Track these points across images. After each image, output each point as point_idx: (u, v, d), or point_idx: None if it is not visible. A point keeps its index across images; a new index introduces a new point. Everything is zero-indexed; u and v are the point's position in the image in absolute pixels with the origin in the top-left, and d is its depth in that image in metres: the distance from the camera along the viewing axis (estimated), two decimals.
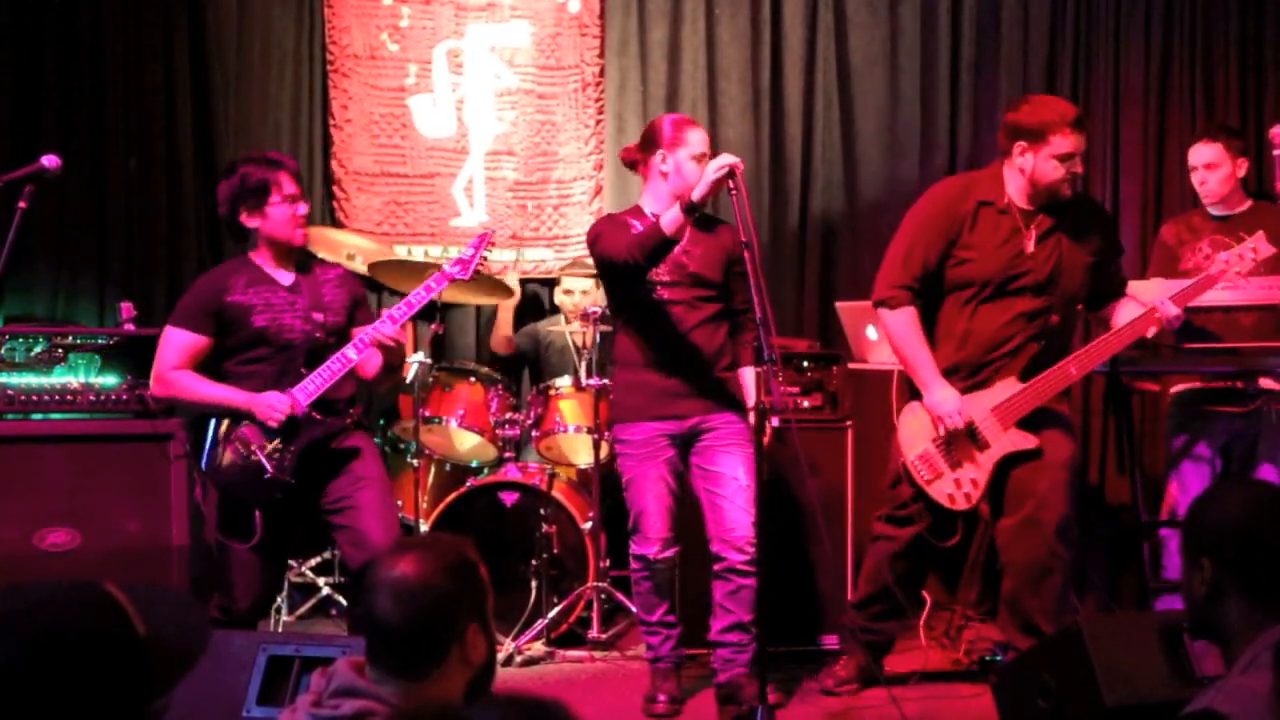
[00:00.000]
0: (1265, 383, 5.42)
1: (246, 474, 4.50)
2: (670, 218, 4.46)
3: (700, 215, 4.60)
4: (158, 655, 1.76)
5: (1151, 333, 4.80)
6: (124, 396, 5.14)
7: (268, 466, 4.47)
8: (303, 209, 4.66)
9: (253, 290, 4.59)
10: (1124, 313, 4.89)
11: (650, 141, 4.83)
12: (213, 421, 4.56)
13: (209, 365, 4.63)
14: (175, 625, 1.88)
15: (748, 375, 4.83)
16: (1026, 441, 4.71)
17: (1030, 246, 4.74)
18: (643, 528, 4.80)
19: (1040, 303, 4.75)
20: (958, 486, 4.76)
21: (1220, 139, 5.44)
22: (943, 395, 4.73)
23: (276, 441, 4.49)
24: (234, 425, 4.52)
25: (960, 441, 4.75)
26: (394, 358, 4.67)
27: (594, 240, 4.80)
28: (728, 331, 4.87)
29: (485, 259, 4.85)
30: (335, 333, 4.65)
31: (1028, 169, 4.72)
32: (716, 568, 4.74)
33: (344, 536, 4.63)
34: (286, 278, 4.68)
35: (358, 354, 4.54)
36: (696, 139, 4.80)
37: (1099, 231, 4.89)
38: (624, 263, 4.59)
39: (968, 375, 4.78)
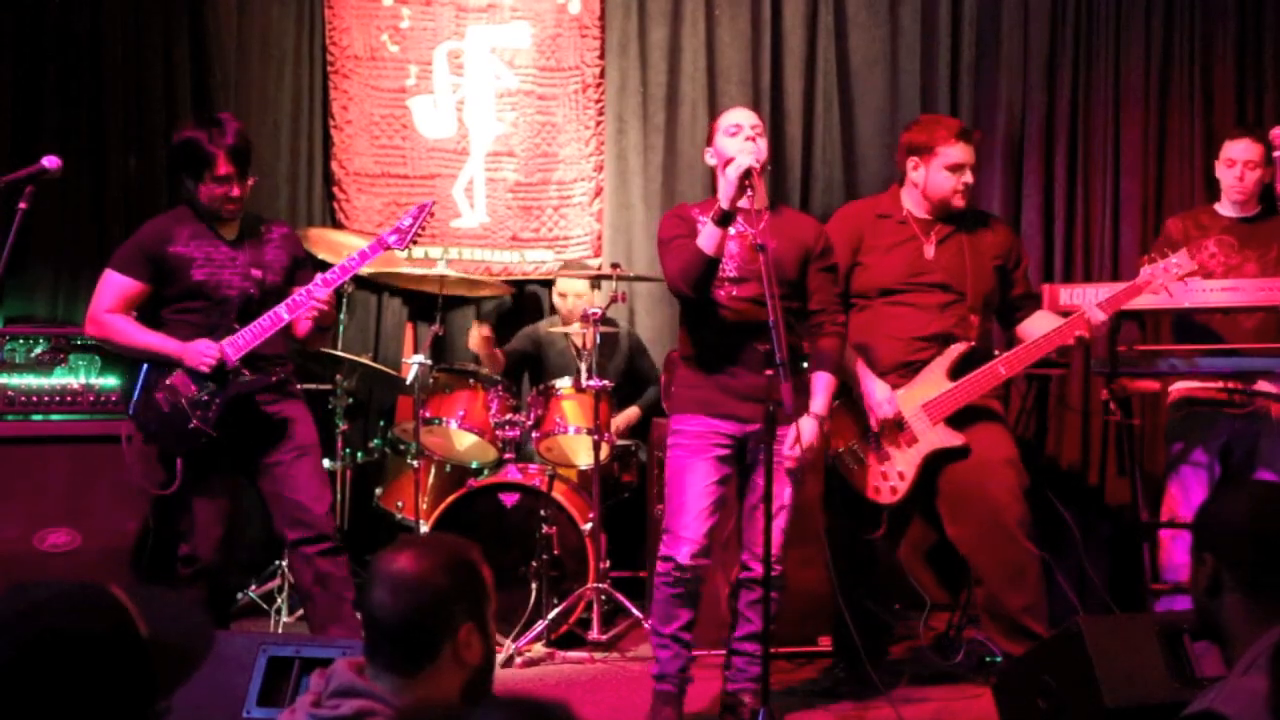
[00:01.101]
0: (1263, 385, 5.42)
1: (171, 421, 4.60)
2: (706, 236, 4.39)
3: (777, 209, 4.63)
4: (161, 657, 1.77)
5: (1076, 337, 4.88)
6: (124, 397, 5.14)
7: (191, 416, 4.57)
8: (235, 191, 4.69)
9: (195, 243, 4.69)
10: (1043, 322, 5.05)
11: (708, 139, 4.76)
12: (144, 368, 4.66)
13: (147, 310, 4.74)
14: (178, 627, 1.88)
15: (823, 382, 4.62)
16: (954, 439, 4.86)
17: (930, 252, 4.99)
18: (675, 527, 4.54)
19: (952, 298, 4.94)
20: (884, 479, 4.90)
21: (1264, 141, 5.44)
22: (872, 387, 4.88)
23: (203, 393, 4.58)
24: (163, 372, 4.62)
25: (889, 435, 4.86)
26: (325, 320, 4.74)
27: (660, 245, 4.69)
28: (803, 334, 4.71)
29: (422, 230, 4.88)
30: (272, 291, 4.73)
31: (920, 182, 5.03)
32: (742, 576, 4.64)
33: (276, 506, 4.74)
34: (230, 230, 4.78)
35: (289, 314, 4.64)
36: (728, 120, 4.68)
37: (1001, 238, 5.13)
38: (678, 292, 4.56)
39: (893, 371, 4.93)
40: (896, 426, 4.85)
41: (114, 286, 4.70)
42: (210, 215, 4.73)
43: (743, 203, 4.33)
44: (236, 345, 4.60)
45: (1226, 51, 6.54)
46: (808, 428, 4.50)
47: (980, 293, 4.98)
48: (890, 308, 4.97)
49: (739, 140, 4.54)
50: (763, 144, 4.53)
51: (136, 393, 4.66)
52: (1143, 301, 5.21)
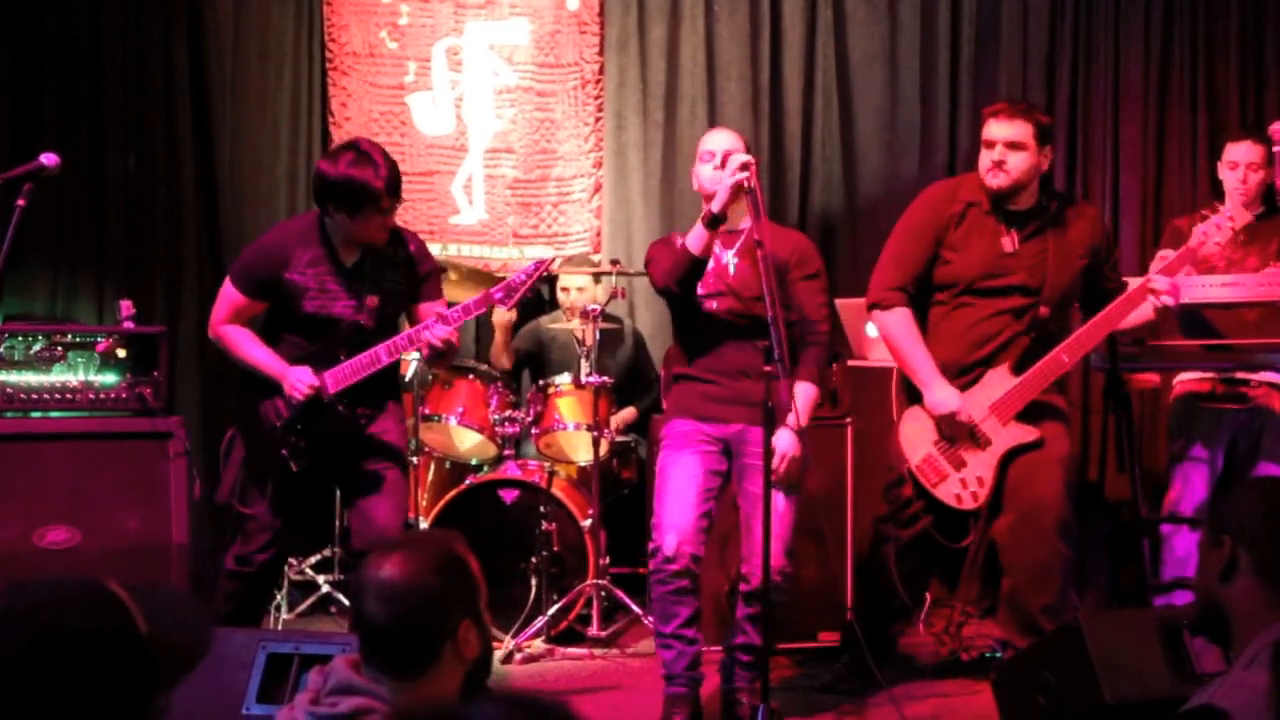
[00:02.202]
0: (1266, 376, 5.42)
1: (265, 440, 4.60)
2: (694, 236, 4.41)
3: (750, 216, 4.49)
4: (160, 654, 1.76)
5: (1151, 307, 4.77)
6: (123, 394, 5.13)
7: (284, 443, 4.55)
8: (391, 220, 4.62)
9: (311, 271, 4.59)
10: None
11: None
12: (254, 380, 4.64)
13: (270, 323, 4.73)
14: (178, 624, 1.88)
15: (801, 392, 4.56)
16: (1028, 434, 4.73)
17: (1011, 246, 4.78)
18: (659, 518, 4.53)
19: (1027, 301, 4.76)
20: (964, 486, 4.76)
21: (1265, 142, 5.41)
22: (943, 394, 4.73)
23: (296, 422, 4.55)
24: (270, 390, 4.59)
25: (963, 441, 4.75)
26: (438, 357, 4.64)
27: (647, 262, 4.77)
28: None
29: (533, 290, 4.72)
30: (391, 317, 4.70)
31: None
32: (743, 588, 4.60)
33: (354, 516, 4.72)
34: (351, 256, 4.66)
35: (388, 357, 4.55)
36: (703, 145, 4.68)
37: (1090, 232, 4.89)
38: (664, 289, 4.59)
39: (959, 373, 4.79)
40: (970, 432, 4.75)
41: (228, 298, 4.68)
42: (357, 242, 4.62)
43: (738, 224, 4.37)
44: (337, 378, 4.53)
45: (1228, 49, 6.54)
46: (784, 440, 4.46)
47: (1058, 291, 4.80)
48: (967, 308, 4.82)
49: (709, 168, 4.57)
50: (739, 158, 4.38)
51: (243, 403, 4.65)
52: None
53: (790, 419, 4.43)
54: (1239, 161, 5.47)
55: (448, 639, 2.36)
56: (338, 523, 6.02)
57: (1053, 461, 4.71)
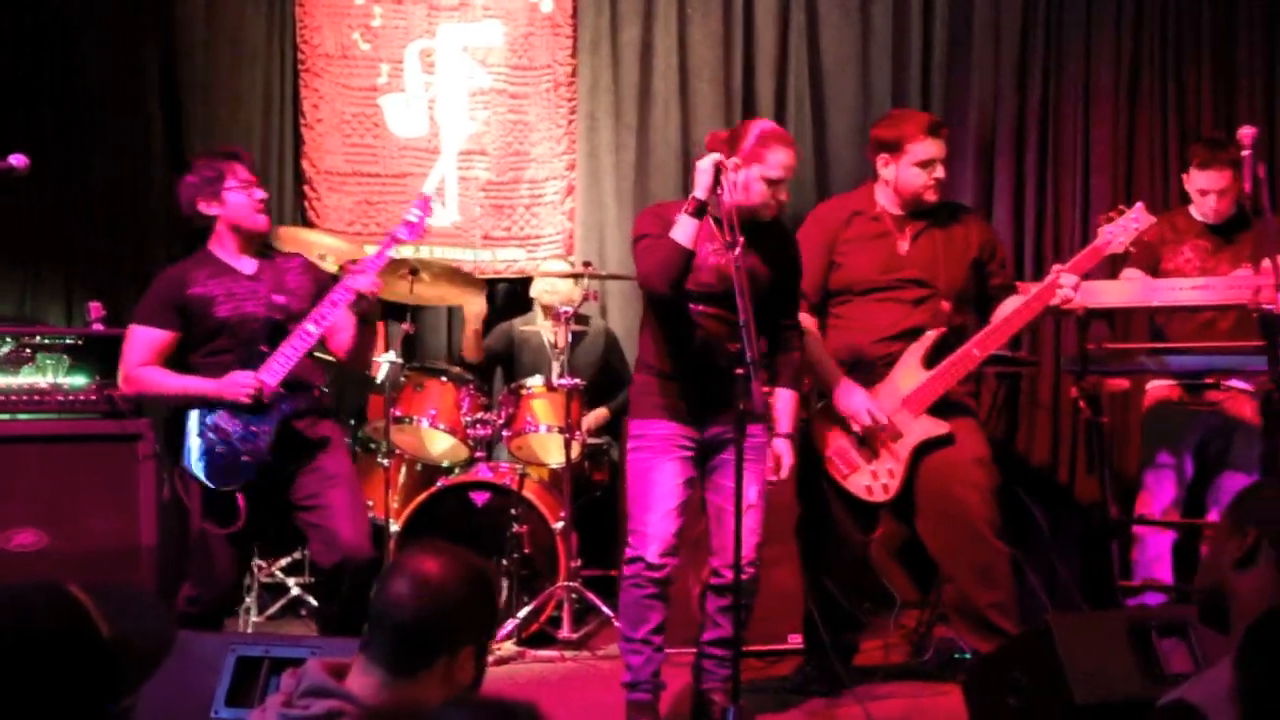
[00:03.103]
0: (1235, 383, 5.46)
1: (225, 459, 4.50)
2: (681, 228, 4.34)
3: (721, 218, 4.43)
4: (122, 656, 1.76)
5: (1056, 300, 4.86)
6: (92, 396, 5.12)
7: (242, 450, 4.48)
8: (259, 194, 4.66)
9: (214, 281, 4.59)
10: (1013, 303, 5.02)
11: (734, 143, 4.54)
12: (191, 414, 4.52)
13: (175, 360, 4.62)
14: (140, 626, 1.87)
15: (782, 398, 4.65)
16: (938, 428, 4.86)
17: (904, 248, 4.97)
18: (642, 526, 4.48)
19: (926, 293, 4.92)
20: (874, 478, 4.89)
21: (1231, 164, 5.42)
22: (849, 394, 4.88)
23: (250, 425, 4.49)
24: (207, 414, 4.51)
25: (873, 434, 4.86)
26: (365, 306, 4.62)
27: (635, 241, 4.61)
28: (768, 345, 4.67)
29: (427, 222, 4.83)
30: (298, 317, 4.60)
31: (892, 179, 4.98)
32: (714, 581, 4.61)
33: (315, 535, 4.62)
34: (249, 266, 4.68)
35: (318, 327, 4.53)
36: (775, 160, 4.50)
37: (976, 230, 5.10)
38: (652, 290, 4.50)
39: (869, 369, 4.92)
40: (879, 425, 4.84)
41: (141, 340, 4.58)
42: (242, 233, 4.63)
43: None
44: (272, 370, 4.49)
45: (1199, 52, 6.58)
46: (785, 449, 4.60)
47: (953, 285, 4.97)
48: (866, 305, 4.96)
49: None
50: (713, 156, 4.35)
51: (185, 441, 4.53)
52: (1113, 299, 5.24)
53: (782, 426, 4.59)
54: (1208, 189, 5.48)
55: (446, 653, 2.35)
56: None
57: (970, 463, 4.84)
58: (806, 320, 4.90)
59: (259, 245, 4.75)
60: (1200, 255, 5.54)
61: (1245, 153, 4.92)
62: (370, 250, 6.33)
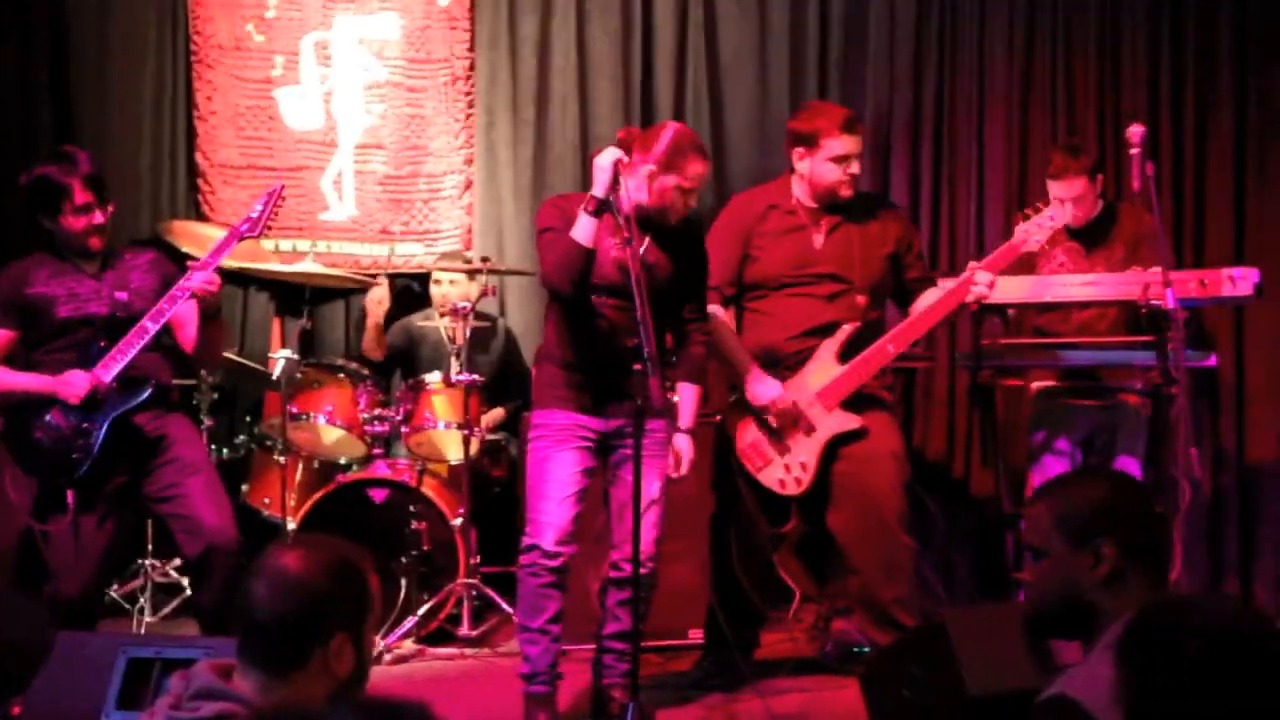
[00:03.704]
0: (1120, 378, 5.55)
1: (54, 456, 4.51)
2: (581, 227, 4.32)
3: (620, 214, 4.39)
4: None
5: (971, 298, 4.90)
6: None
7: (74, 445, 4.48)
8: (97, 218, 4.61)
9: (55, 281, 4.60)
10: (930, 297, 5.08)
11: (647, 144, 4.52)
12: (21, 411, 4.55)
13: (19, 357, 4.65)
14: (12, 628, 1.83)
15: (684, 392, 4.68)
16: (851, 422, 4.89)
17: (819, 242, 4.98)
18: (538, 515, 4.50)
19: (841, 287, 4.95)
20: (787, 471, 4.92)
21: (1084, 172, 5.49)
22: (761, 387, 4.90)
23: (83, 421, 4.49)
24: (42, 410, 4.51)
25: (787, 427, 4.87)
26: (207, 304, 4.59)
27: (538, 234, 4.58)
28: (671, 340, 4.72)
29: (275, 215, 4.80)
30: (140, 315, 4.57)
31: (807, 173, 4.99)
32: (613, 575, 4.62)
33: (177, 525, 4.63)
34: (91, 267, 4.68)
35: (155, 324, 4.50)
36: (693, 172, 4.51)
37: (893, 224, 5.13)
38: (554, 289, 4.48)
39: (784, 363, 4.94)
40: (793, 420, 4.86)
41: None
42: (77, 251, 4.62)
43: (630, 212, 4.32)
44: (107, 366, 4.47)
45: (1087, 50, 6.66)
46: (684, 445, 4.60)
47: (869, 280, 4.99)
48: (780, 300, 4.98)
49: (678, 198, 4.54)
50: (613, 152, 4.34)
51: (15, 431, 4.56)
52: (1007, 294, 5.30)
53: (683, 421, 4.60)
54: (1064, 198, 5.49)
55: (318, 645, 2.33)
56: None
57: (884, 456, 4.88)
58: (719, 312, 4.93)
59: (105, 248, 4.73)
60: (1073, 258, 5.62)
61: (1134, 150, 4.99)
62: (267, 246, 6.32)
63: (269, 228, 4.81)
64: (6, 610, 1.81)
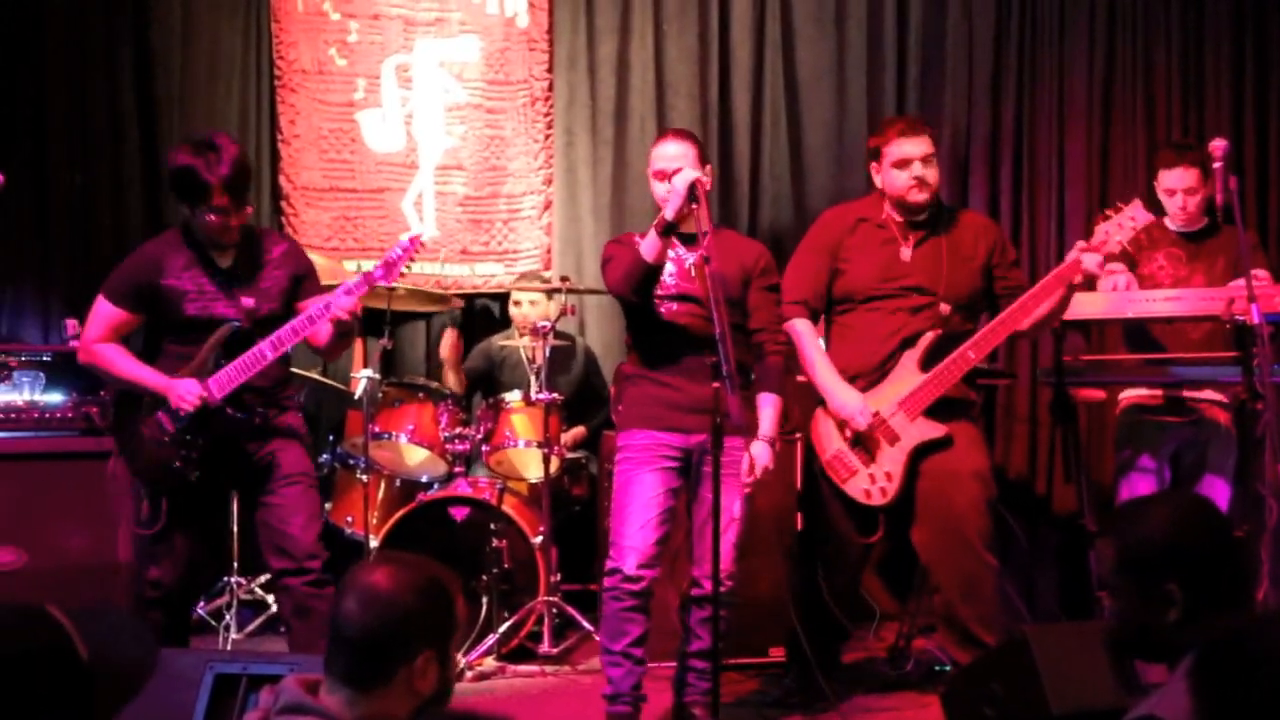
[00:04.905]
0: (1208, 393, 5.48)
1: (156, 458, 4.52)
2: (648, 244, 4.40)
3: (719, 231, 4.55)
4: (102, 678, 1.75)
5: (1079, 278, 4.78)
6: (69, 414, 5.10)
7: (175, 456, 4.49)
8: (231, 222, 4.53)
9: (188, 275, 4.55)
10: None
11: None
12: (134, 400, 4.56)
13: (150, 336, 4.65)
14: (121, 648, 1.87)
15: (764, 401, 4.67)
16: (935, 430, 4.82)
17: (907, 255, 4.94)
18: (620, 538, 4.53)
19: (924, 300, 4.90)
20: (873, 482, 4.86)
21: (1198, 164, 5.45)
22: (845, 398, 4.85)
23: (187, 432, 4.49)
24: (153, 406, 4.52)
25: (871, 438, 4.84)
26: (343, 329, 4.57)
27: (603, 264, 4.73)
28: (750, 353, 4.71)
29: (410, 264, 4.74)
30: (268, 320, 4.58)
31: (881, 185, 4.99)
32: (693, 592, 4.62)
33: (264, 535, 4.64)
34: (225, 259, 4.63)
35: (273, 352, 4.51)
36: (657, 154, 4.66)
37: (984, 235, 5.06)
38: (619, 295, 4.60)
39: (867, 375, 4.90)
40: (877, 429, 4.84)
41: (103, 315, 4.57)
42: (207, 243, 4.59)
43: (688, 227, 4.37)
44: (221, 383, 4.47)
45: (1168, 65, 6.61)
46: (760, 452, 4.57)
47: (956, 291, 4.92)
48: (867, 313, 4.95)
49: (662, 187, 4.55)
50: (689, 174, 4.36)
51: (124, 425, 4.57)
52: (1088, 310, 5.25)
53: (763, 430, 4.58)
54: (1175, 188, 5.49)
55: (404, 662, 2.36)
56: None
57: (967, 475, 4.80)
58: (805, 326, 4.92)
59: (236, 245, 4.67)
60: (1173, 263, 5.57)
61: (1217, 164, 4.94)
62: (349, 266, 6.39)
63: (402, 275, 4.75)
64: (115, 630, 1.85)
